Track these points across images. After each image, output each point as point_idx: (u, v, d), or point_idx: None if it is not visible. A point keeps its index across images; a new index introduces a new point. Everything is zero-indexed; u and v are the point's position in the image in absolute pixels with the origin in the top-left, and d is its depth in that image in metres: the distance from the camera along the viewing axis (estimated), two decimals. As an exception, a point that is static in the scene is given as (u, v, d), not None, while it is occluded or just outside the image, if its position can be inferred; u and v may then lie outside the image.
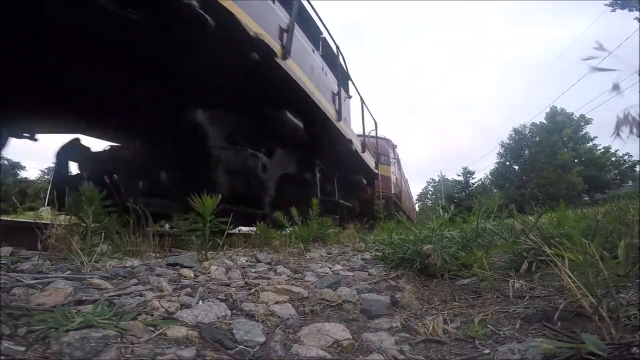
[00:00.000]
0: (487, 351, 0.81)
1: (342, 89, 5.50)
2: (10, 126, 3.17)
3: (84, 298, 0.96)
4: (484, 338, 0.90)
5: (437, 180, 59.61)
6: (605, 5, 15.16)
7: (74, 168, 3.20)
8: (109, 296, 1.01)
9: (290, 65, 3.31)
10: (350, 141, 5.45)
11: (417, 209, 30.24)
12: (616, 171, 34.73)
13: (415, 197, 49.38)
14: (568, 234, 1.28)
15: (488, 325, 0.98)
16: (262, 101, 3.38)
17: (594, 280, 0.86)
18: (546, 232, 1.51)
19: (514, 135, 40.31)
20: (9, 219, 3.28)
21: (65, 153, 3.17)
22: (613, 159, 34.66)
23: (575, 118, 38.22)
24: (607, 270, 0.80)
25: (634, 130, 0.82)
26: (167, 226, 3.22)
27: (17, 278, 1.07)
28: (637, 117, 0.81)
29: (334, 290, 1.34)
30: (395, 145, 12.56)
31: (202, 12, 2.20)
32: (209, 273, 1.49)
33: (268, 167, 3.60)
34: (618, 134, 0.84)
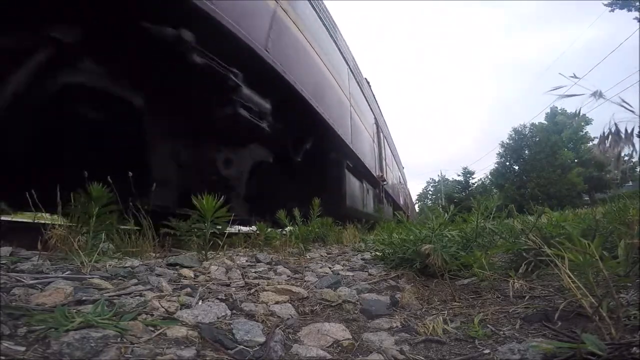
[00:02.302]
0: (487, 351, 0.81)
1: None
2: None
3: (84, 298, 0.96)
4: (484, 338, 0.90)
5: (437, 180, 59.56)
6: (604, 5, 15.08)
7: None
8: (109, 296, 1.01)
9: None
10: None
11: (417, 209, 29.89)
12: (616, 171, 34.63)
13: (415, 197, 49.22)
14: (568, 234, 1.28)
15: (488, 325, 0.98)
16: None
17: (594, 280, 0.86)
18: (546, 231, 1.51)
19: (514, 135, 40.28)
20: (9, 219, 3.26)
21: None
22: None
23: (575, 118, 38.25)
24: (607, 270, 0.80)
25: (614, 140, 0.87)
26: None
27: (17, 278, 1.07)
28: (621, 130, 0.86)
29: (334, 290, 1.34)
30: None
31: None
32: (209, 273, 1.49)
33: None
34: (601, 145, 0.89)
